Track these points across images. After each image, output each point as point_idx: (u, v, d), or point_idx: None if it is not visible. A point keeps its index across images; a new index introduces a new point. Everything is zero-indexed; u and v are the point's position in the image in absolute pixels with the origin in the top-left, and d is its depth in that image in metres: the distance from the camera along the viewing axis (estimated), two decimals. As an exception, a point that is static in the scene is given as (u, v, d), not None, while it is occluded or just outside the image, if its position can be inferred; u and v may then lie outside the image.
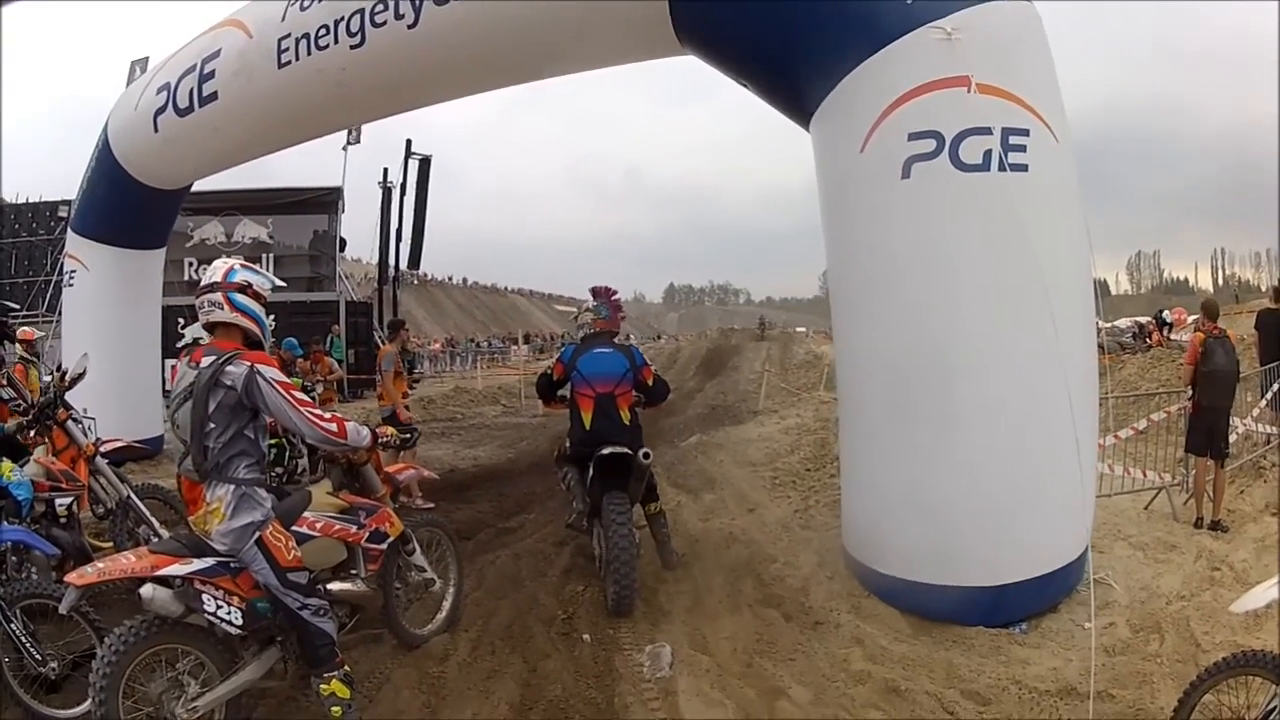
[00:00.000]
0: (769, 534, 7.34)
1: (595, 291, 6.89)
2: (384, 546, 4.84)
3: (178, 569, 3.93)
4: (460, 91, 8.99)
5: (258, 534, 4.05)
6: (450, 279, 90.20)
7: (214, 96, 9.45)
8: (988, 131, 5.15)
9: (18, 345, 9.18)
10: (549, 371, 6.88)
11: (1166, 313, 23.81)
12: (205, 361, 4.08)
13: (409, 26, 7.68)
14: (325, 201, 23.10)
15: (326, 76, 8.49)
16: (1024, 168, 5.18)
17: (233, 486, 4.03)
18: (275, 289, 4.50)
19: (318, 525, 4.49)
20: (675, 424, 15.88)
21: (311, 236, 23.57)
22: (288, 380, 4.23)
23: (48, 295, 19.86)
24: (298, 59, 8.56)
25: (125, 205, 11.31)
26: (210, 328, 4.28)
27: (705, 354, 32.04)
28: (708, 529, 7.58)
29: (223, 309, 4.24)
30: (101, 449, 6.96)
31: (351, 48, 8.11)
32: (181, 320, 17.89)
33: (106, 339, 10.65)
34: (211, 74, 9.44)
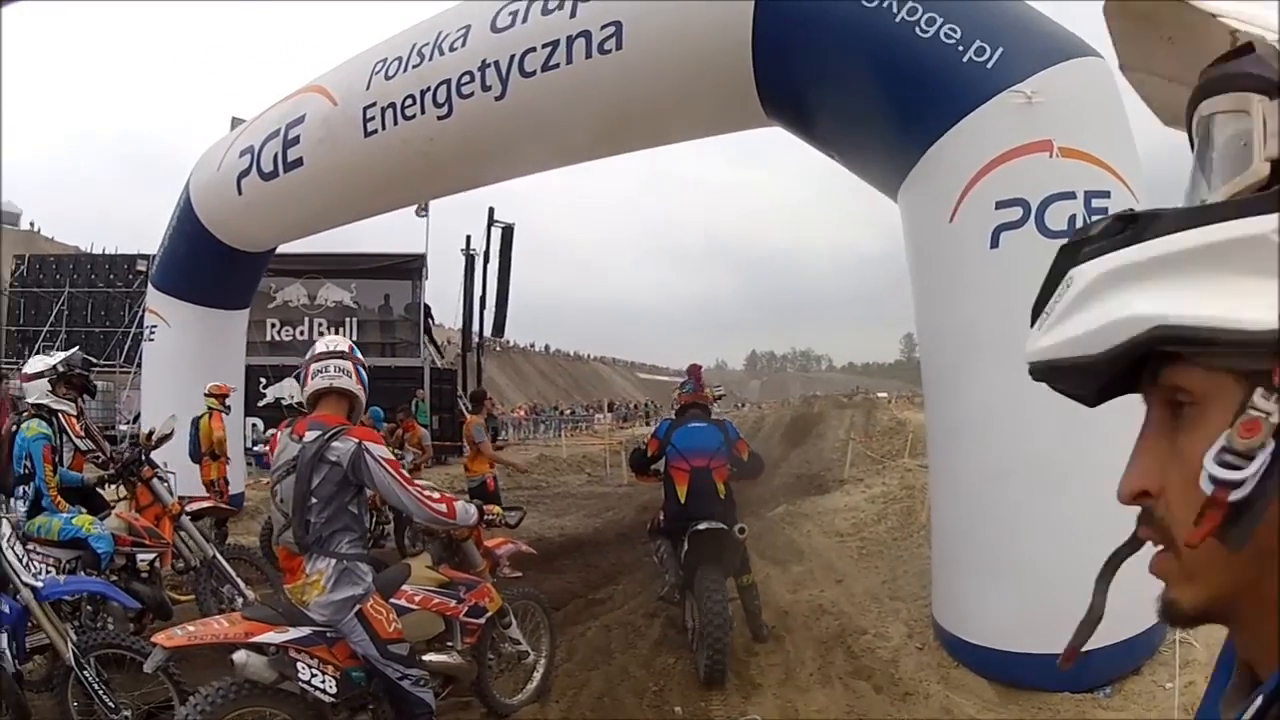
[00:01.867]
0: (858, 605, 7.28)
1: (689, 370, 7.27)
2: (482, 621, 4.94)
3: (273, 636, 3.97)
4: (547, 164, 9.21)
5: (358, 607, 4.07)
6: (532, 345, 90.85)
7: (299, 162, 9.71)
8: (1072, 196, 5.17)
9: (211, 399, 9.73)
10: (643, 446, 7.00)
11: None
12: (310, 436, 4.13)
13: (496, 98, 7.86)
14: (408, 268, 23.38)
15: (412, 147, 8.70)
16: None
17: (334, 561, 4.06)
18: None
19: (416, 598, 4.58)
20: (761, 494, 15.73)
21: (387, 301, 23.75)
22: (394, 459, 4.25)
23: (125, 347, 20.96)
24: (384, 128, 8.77)
25: (208, 264, 11.61)
26: (315, 398, 4.31)
27: (789, 422, 31.71)
28: (797, 601, 7.55)
29: (351, 377, 4.32)
30: (187, 508, 7.13)
31: (439, 119, 8.32)
32: (263, 380, 18.58)
33: (188, 396, 10.60)
34: (296, 139, 9.70)
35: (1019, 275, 5.23)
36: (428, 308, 23.87)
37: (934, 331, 6.12)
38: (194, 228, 11.38)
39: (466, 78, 8.04)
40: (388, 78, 8.80)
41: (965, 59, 5.50)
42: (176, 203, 11.85)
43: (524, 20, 7.70)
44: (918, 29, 5.66)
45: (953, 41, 5.55)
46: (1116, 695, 5.33)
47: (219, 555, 7.05)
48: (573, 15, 7.37)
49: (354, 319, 22.79)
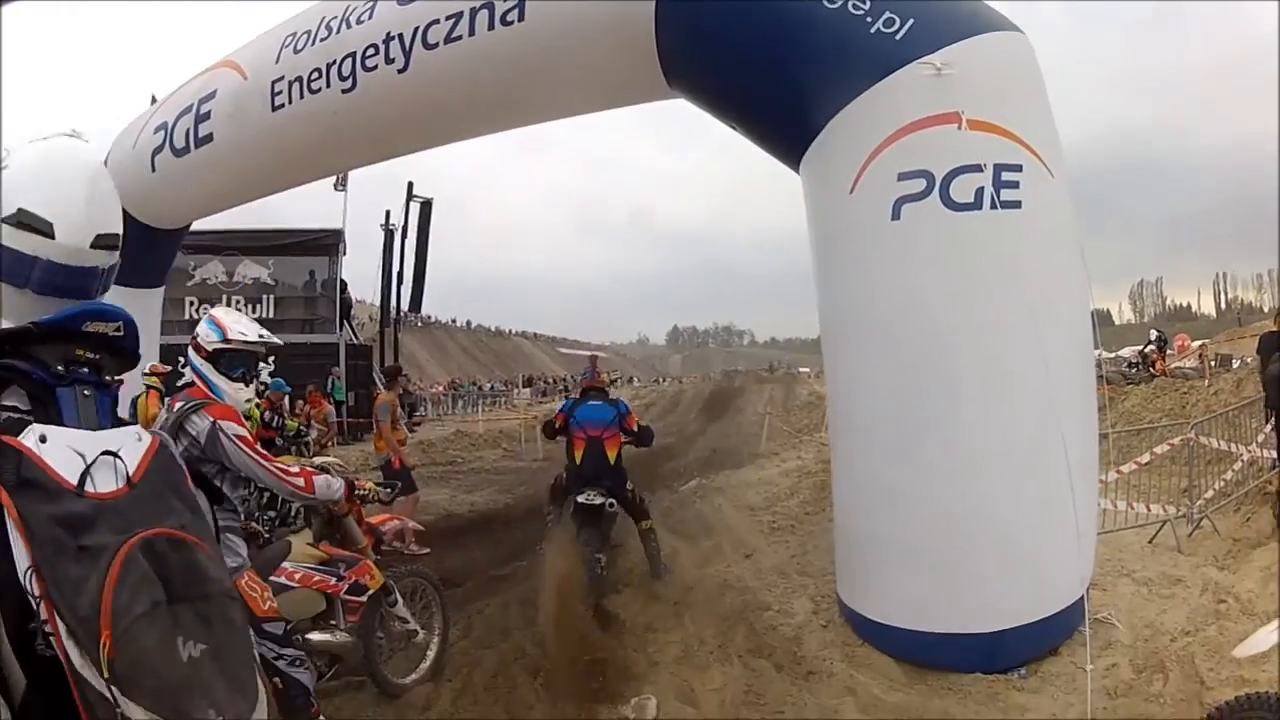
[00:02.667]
0: (765, 581, 7.19)
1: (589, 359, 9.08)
2: (364, 599, 4.81)
3: None
4: (451, 136, 8.94)
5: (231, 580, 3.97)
6: (454, 321, 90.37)
7: (209, 138, 9.42)
8: (979, 169, 5.04)
9: (150, 378, 9.69)
10: (553, 420, 8.15)
11: (1154, 332, 23.82)
12: (177, 406, 4.09)
13: (399, 71, 7.65)
14: (326, 244, 23.05)
15: (318, 121, 8.45)
16: (1017, 205, 5.08)
17: None
18: (247, 343, 4.37)
19: (296, 576, 4.48)
20: (675, 468, 15.70)
21: (313, 277, 23.50)
22: (249, 435, 4.13)
23: None
24: (290, 102, 8.51)
25: (123, 243, 11.04)
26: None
27: (708, 396, 31.90)
28: (703, 576, 7.42)
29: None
30: None
31: (343, 91, 8.07)
32: (181, 359, 17.35)
33: None
34: (207, 115, 9.41)
35: (921, 248, 5.17)
36: (344, 283, 23.44)
37: (833, 307, 5.97)
38: None
39: (371, 50, 7.79)
40: (296, 52, 8.50)
41: (873, 30, 5.35)
42: None
43: None
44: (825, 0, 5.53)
45: (860, 12, 5.40)
46: (1032, 676, 5.24)
47: None
48: None
49: (272, 295, 22.40)
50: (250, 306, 21.34)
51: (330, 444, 11.85)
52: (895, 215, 5.20)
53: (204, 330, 4.30)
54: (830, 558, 7.10)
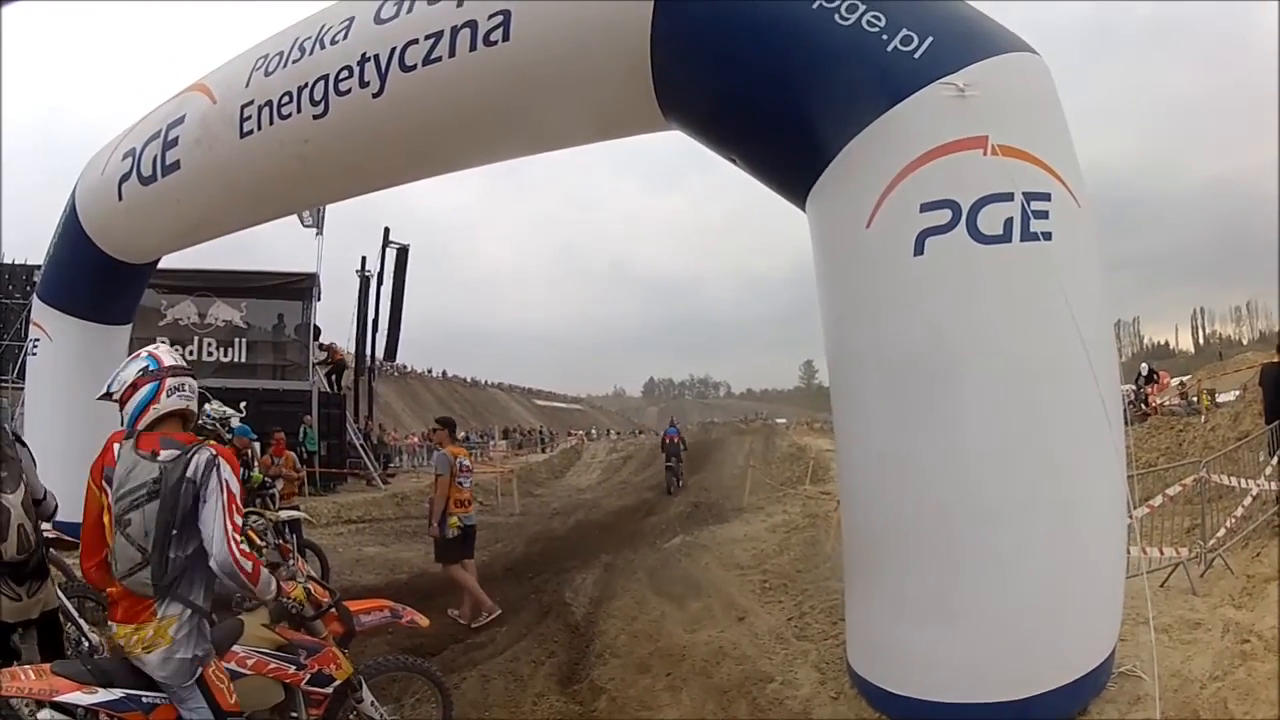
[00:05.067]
0: (762, 647, 6.64)
1: None
2: (329, 690, 4.23)
3: (79, 698, 3.47)
4: (430, 168, 8.31)
5: (200, 670, 3.55)
6: (429, 371, 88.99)
7: (176, 165, 8.86)
8: (1009, 198, 4.59)
9: None
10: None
11: (1144, 366, 23.67)
12: (167, 454, 3.66)
13: (374, 95, 7.11)
14: (299, 288, 22.30)
15: (288, 149, 7.91)
16: (1048, 236, 4.60)
17: (189, 612, 3.58)
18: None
19: (249, 662, 3.95)
20: (657, 524, 15.24)
21: (281, 321, 22.58)
22: (238, 493, 3.69)
23: (19, 361, 19.36)
24: (259, 128, 7.96)
25: (90, 276, 10.71)
26: (159, 418, 3.80)
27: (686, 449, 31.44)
28: (694, 642, 6.86)
29: (195, 397, 3.93)
30: None
31: (314, 117, 7.53)
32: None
33: (68, 413, 9.86)
34: (175, 141, 8.86)
35: (947, 285, 4.66)
36: (317, 329, 22.78)
37: (847, 351, 5.41)
38: (77, 236, 10.45)
39: (344, 73, 7.25)
40: (267, 74, 7.96)
41: (890, 48, 4.90)
42: (63, 209, 10.84)
43: (409, 10, 6.95)
44: (837, 16, 5.04)
45: (876, 29, 4.95)
46: (1063, 739, 4.84)
47: (60, 593, 5.95)
48: (459, 4, 6.62)
49: (244, 339, 21.60)
50: (222, 349, 20.97)
51: (294, 495, 11.11)
52: (919, 250, 4.72)
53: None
54: (831, 619, 6.60)
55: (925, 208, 4.72)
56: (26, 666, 3.84)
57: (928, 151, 4.72)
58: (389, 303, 24.48)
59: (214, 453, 3.68)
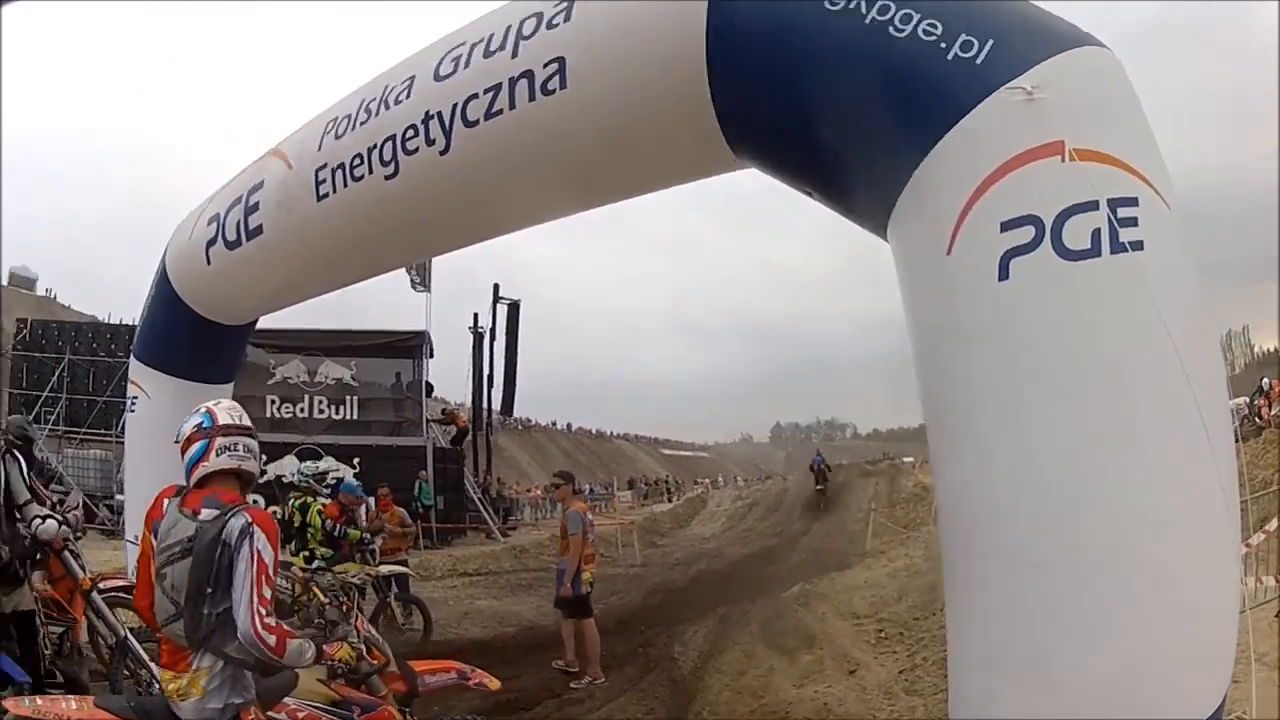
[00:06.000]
0: (869, 703, 6.26)
1: None
2: None
3: None
4: (507, 223, 8.22)
5: (236, 714, 3.57)
6: (554, 424, 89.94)
7: (259, 230, 8.95)
8: (1093, 206, 4.08)
9: None
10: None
11: (1265, 379, 22.01)
12: (207, 514, 3.71)
13: (440, 153, 6.96)
14: (410, 345, 22.71)
15: (361, 210, 7.85)
16: (1139, 245, 4.07)
17: (222, 664, 3.60)
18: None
19: (300, 715, 3.95)
20: (777, 572, 14.84)
21: (399, 379, 23.10)
22: (271, 562, 3.69)
23: (122, 417, 20.41)
24: (334, 191, 7.91)
25: (185, 336, 10.82)
26: (207, 476, 3.85)
27: (810, 494, 30.75)
28: (800, 699, 6.49)
29: (255, 458, 4.00)
30: (100, 585, 6.64)
31: (386, 178, 7.43)
32: (264, 457, 17.29)
33: (165, 468, 9.67)
34: (256, 206, 8.95)
35: (1037, 309, 4.17)
36: (429, 385, 23.20)
37: (937, 389, 4.88)
38: (170, 298, 10.61)
39: (410, 132, 7.15)
40: (337, 137, 7.94)
41: (950, 55, 4.44)
42: (155, 271, 11.05)
43: (466, 65, 6.82)
44: (891, 28, 4.61)
45: (933, 38, 4.49)
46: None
47: (130, 636, 6.43)
48: (514, 55, 6.45)
49: (354, 396, 22.14)
50: (334, 407, 21.45)
51: (401, 551, 11.17)
52: (1004, 274, 4.24)
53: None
54: (943, 671, 6.17)
55: (1006, 226, 4.24)
56: (70, 696, 4.04)
57: (1002, 165, 4.25)
58: (503, 358, 24.89)
59: (249, 519, 3.66)
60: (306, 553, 9.18)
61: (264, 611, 3.58)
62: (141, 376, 11.28)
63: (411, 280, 23.40)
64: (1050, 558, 4.18)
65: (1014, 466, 4.31)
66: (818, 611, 9.92)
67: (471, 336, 25.46)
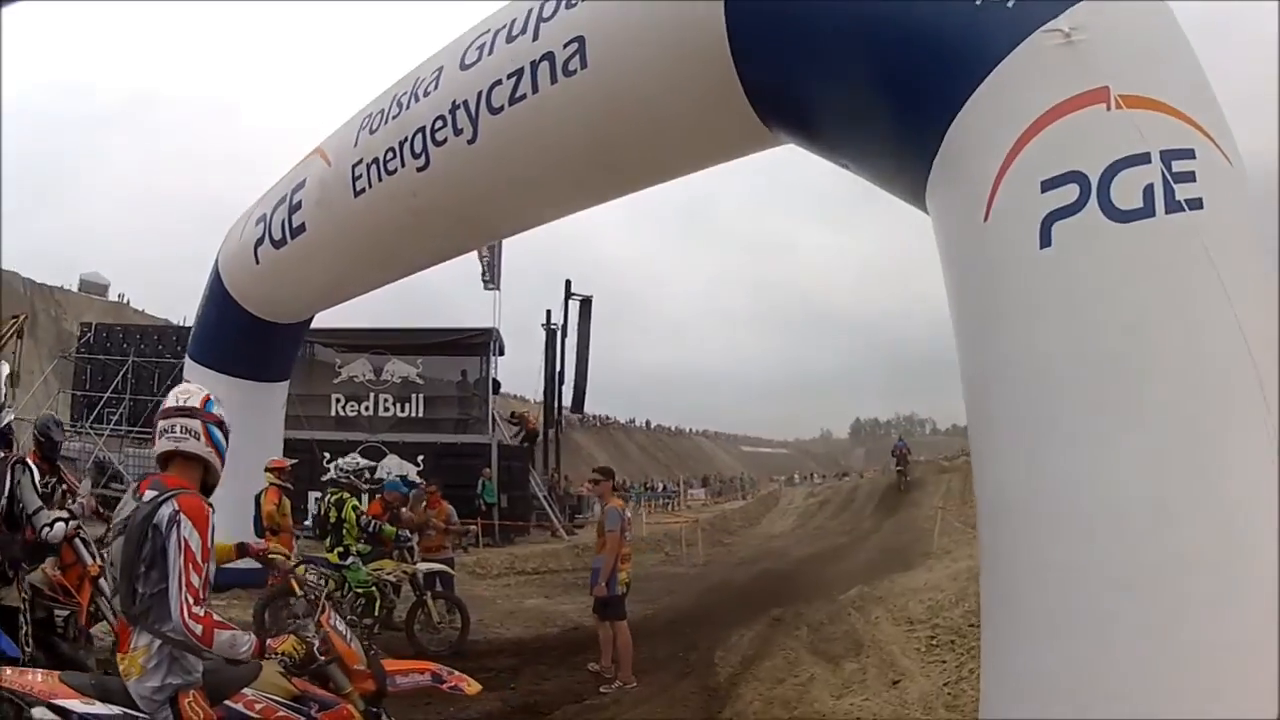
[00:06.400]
0: (907, 717, 5.74)
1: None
2: None
3: (75, 705, 3.55)
4: (540, 212, 8.12)
5: (174, 695, 3.53)
6: (633, 421, 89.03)
7: (302, 228, 9.08)
8: (1145, 160, 3.52)
9: (270, 473, 9.36)
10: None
11: None
12: (149, 495, 3.62)
13: (469, 142, 6.92)
14: (476, 343, 22.41)
15: (398, 203, 7.84)
16: (1198, 203, 3.49)
17: (158, 644, 3.50)
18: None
19: (257, 706, 3.75)
20: (841, 571, 14.24)
21: (464, 376, 22.82)
22: (200, 550, 3.52)
23: None
24: (370, 186, 7.98)
25: (238, 336, 11.03)
26: (167, 458, 3.79)
27: (884, 490, 29.98)
28: (835, 711, 6.07)
29: (199, 439, 3.78)
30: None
31: (418, 170, 7.43)
32: (327, 455, 17.73)
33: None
34: (299, 205, 9.08)
35: (1086, 280, 3.63)
36: (496, 383, 22.83)
37: (977, 376, 4.33)
38: (223, 299, 10.83)
39: (439, 123, 7.14)
40: (372, 132, 8.00)
41: (978, 1, 3.99)
42: (209, 273, 11.27)
43: (490, 52, 6.74)
44: None
45: None
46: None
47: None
48: (535, 38, 6.32)
49: (420, 395, 21.92)
50: (399, 405, 21.29)
51: (444, 549, 10.92)
52: (1045, 241, 3.71)
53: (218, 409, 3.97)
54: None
55: (1047, 186, 3.71)
56: (38, 670, 3.94)
57: (1040, 116, 3.74)
58: (574, 355, 24.64)
59: (176, 508, 3.51)
60: (341, 549, 8.97)
61: (191, 600, 3.47)
62: (196, 376, 11.28)
63: (483, 278, 23.35)
64: (1108, 554, 3.46)
65: (1060, 463, 3.64)
66: (871, 616, 9.35)
67: (544, 334, 25.17)
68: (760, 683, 6.95)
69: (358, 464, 9.73)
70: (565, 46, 6.08)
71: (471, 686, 4.51)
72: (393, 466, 18.68)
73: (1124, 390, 3.56)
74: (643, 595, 13.92)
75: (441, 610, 9.58)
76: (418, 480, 16.44)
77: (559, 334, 24.80)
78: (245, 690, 3.75)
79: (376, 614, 8.90)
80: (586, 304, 24.64)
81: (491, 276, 22.95)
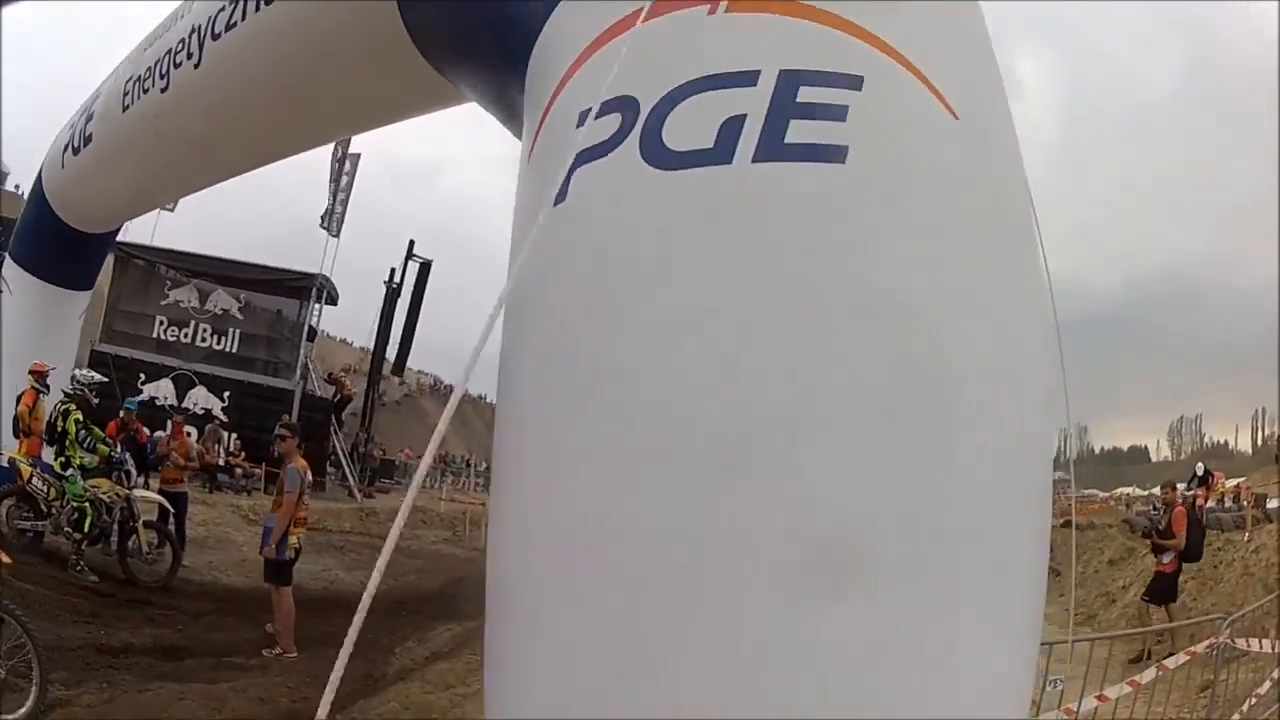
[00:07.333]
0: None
1: None
2: None
3: None
4: (265, 147, 7.60)
5: None
6: (482, 397, 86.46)
7: (90, 139, 8.48)
8: (747, 80, 2.14)
9: (30, 375, 9.00)
10: None
11: (1200, 466, 20.81)
12: None
13: (195, 66, 6.36)
14: (299, 286, 20.49)
15: (145, 123, 7.30)
16: (835, 153, 2.12)
17: None
18: None
19: None
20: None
21: (279, 316, 21.14)
22: None
23: None
24: (132, 103, 7.40)
25: (46, 237, 10.56)
26: None
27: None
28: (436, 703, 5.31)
29: None
30: None
31: (161, 91, 6.85)
32: (143, 375, 17.21)
33: (16, 368, 9.77)
34: (92, 115, 8.46)
35: (590, 256, 2.30)
36: (313, 330, 20.96)
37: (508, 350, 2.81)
38: (40, 199, 10.33)
39: (179, 45, 6.59)
40: (144, 50, 7.43)
41: None
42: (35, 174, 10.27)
43: None
44: None
45: None
46: None
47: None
48: None
49: (237, 330, 20.27)
50: (216, 337, 20.10)
51: (180, 481, 11.01)
52: (562, 194, 2.31)
53: None
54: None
55: (585, 116, 2.31)
56: None
57: (621, 20, 2.41)
58: (405, 316, 22.02)
59: None
60: (63, 459, 9.03)
61: None
62: (10, 272, 11.08)
63: (321, 222, 22.10)
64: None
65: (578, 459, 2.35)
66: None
67: (384, 290, 23.07)
68: (422, 684, 6.00)
69: (92, 378, 9.50)
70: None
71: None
72: (200, 398, 17.67)
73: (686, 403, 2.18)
74: (402, 569, 12.17)
75: (151, 540, 9.17)
76: (220, 416, 16.81)
77: (397, 295, 22.65)
78: None
79: (87, 530, 8.48)
80: (425, 267, 22.03)
81: (329, 223, 21.15)
